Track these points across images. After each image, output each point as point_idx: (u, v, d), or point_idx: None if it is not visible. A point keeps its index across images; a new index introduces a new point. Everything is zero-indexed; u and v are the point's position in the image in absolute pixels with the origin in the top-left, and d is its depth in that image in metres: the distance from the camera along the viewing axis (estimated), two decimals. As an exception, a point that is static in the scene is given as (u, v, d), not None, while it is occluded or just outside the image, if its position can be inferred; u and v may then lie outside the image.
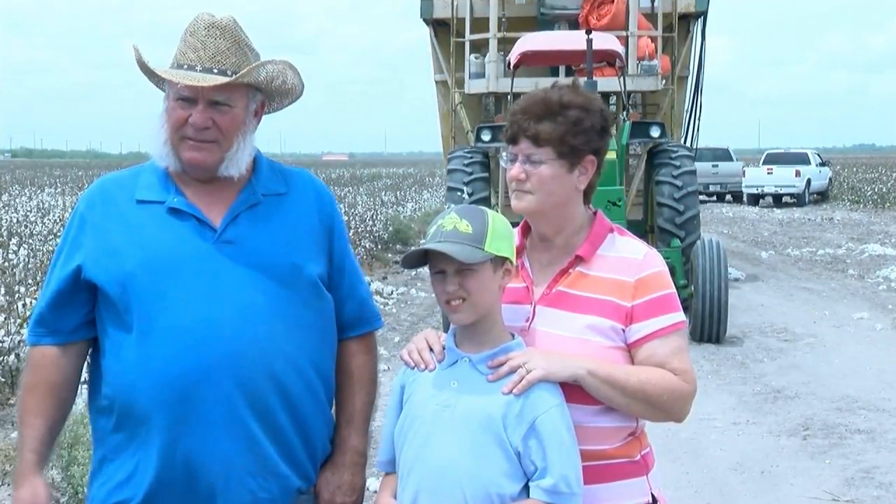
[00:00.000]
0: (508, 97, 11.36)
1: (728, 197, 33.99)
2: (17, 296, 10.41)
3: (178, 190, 2.43)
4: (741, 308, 11.62)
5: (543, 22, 13.32)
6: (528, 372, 2.20)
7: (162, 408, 2.33)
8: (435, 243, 2.22)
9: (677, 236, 10.79)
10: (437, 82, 14.53)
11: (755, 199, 32.17)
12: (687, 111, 14.59)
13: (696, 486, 5.80)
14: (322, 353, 2.51)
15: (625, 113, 11.64)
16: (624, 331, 2.30)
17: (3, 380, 7.46)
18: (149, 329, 2.33)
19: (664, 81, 13.08)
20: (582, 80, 9.22)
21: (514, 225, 2.43)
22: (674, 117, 13.84)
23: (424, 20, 14.19)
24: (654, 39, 12.83)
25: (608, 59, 11.38)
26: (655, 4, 13.34)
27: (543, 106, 2.31)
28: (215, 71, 2.36)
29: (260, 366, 2.36)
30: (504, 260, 2.27)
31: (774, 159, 32.78)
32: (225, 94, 2.37)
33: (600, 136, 2.35)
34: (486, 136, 11.20)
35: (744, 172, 32.76)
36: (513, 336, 2.30)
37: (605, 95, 11.76)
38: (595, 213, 2.43)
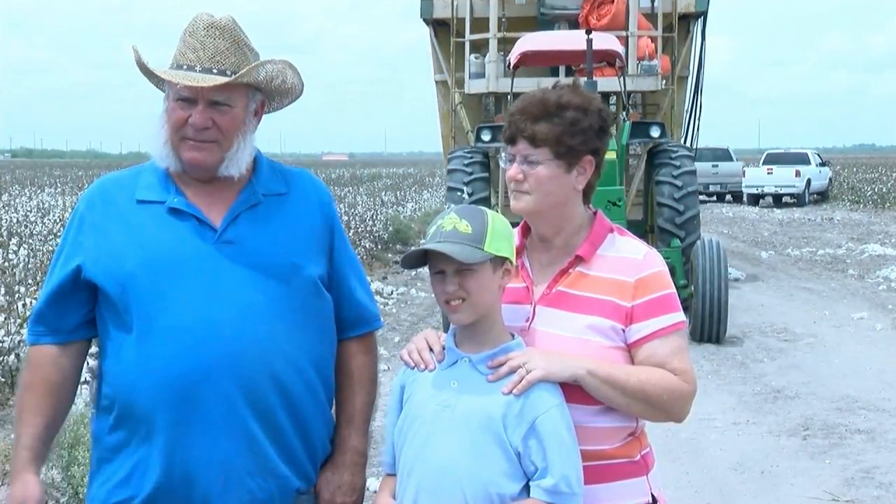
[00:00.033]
0: (508, 97, 11.36)
1: (728, 197, 34.00)
2: (17, 296, 10.41)
3: (179, 190, 2.43)
4: (741, 308, 11.62)
5: (543, 22, 13.32)
6: (528, 372, 2.20)
7: (162, 408, 2.33)
8: (434, 243, 2.22)
9: (677, 236, 10.79)
10: (437, 82, 14.53)
11: (755, 199, 32.18)
12: (687, 111, 14.59)
13: (696, 486, 5.80)
14: (322, 353, 2.51)
15: (625, 113, 11.64)
16: (624, 331, 2.30)
17: (3, 380, 7.46)
18: (149, 329, 2.33)
19: (664, 81, 13.08)
20: (582, 80, 9.22)
21: (515, 225, 2.43)
22: (674, 117, 13.84)
23: (424, 20, 14.19)
24: (654, 39, 12.83)
25: (608, 59, 11.38)
26: (655, 4, 13.34)
27: (541, 106, 2.31)
28: (215, 71, 2.36)
29: (260, 366, 2.36)
30: (504, 260, 2.27)
31: (774, 159, 32.78)
32: (225, 94, 2.37)
33: (598, 137, 2.34)
34: (486, 136, 11.20)
35: (744, 172, 32.76)
36: (513, 336, 2.30)
37: (605, 95, 11.75)
38: (595, 213, 2.43)
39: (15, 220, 20.75)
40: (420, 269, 2.36)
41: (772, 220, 26.29)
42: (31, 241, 16.47)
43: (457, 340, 2.31)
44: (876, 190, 36.53)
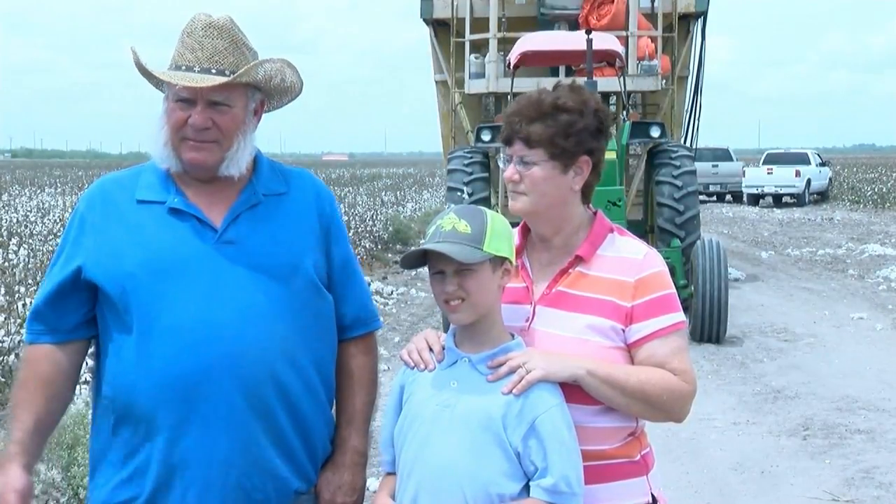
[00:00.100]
0: (508, 97, 11.36)
1: (728, 197, 33.99)
2: (17, 296, 10.42)
3: (179, 190, 2.43)
4: (741, 308, 11.62)
5: (543, 22, 13.32)
6: (528, 372, 2.20)
7: (162, 408, 2.33)
8: (434, 243, 2.22)
9: (677, 236, 10.79)
10: (437, 82, 14.53)
11: (755, 199, 32.18)
12: (687, 111, 14.60)
13: (696, 486, 5.80)
14: (322, 353, 2.50)
15: (625, 113, 11.64)
16: (624, 331, 2.30)
17: (3, 380, 7.46)
18: (149, 329, 2.33)
19: (664, 81, 13.08)
20: (582, 80, 9.23)
21: (515, 225, 2.43)
22: (674, 117, 13.85)
23: (424, 20, 14.20)
24: (654, 39, 12.83)
25: (608, 59, 11.39)
26: (655, 4, 13.34)
27: (536, 108, 2.31)
28: (213, 71, 2.36)
29: (260, 366, 2.36)
30: (503, 260, 2.27)
31: (774, 159, 32.78)
32: (224, 94, 2.37)
33: (594, 137, 2.34)
34: (486, 136, 11.21)
35: (744, 172, 32.76)
36: (512, 336, 2.30)
37: (605, 95, 11.76)
38: (595, 213, 2.43)
39: (15, 220, 20.76)
40: (420, 269, 2.36)
41: (772, 220, 26.29)
42: (31, 241, 16.48)
43: (456, 340, 2.31)
44: (876, 190, 36.53)
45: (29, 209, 24.79)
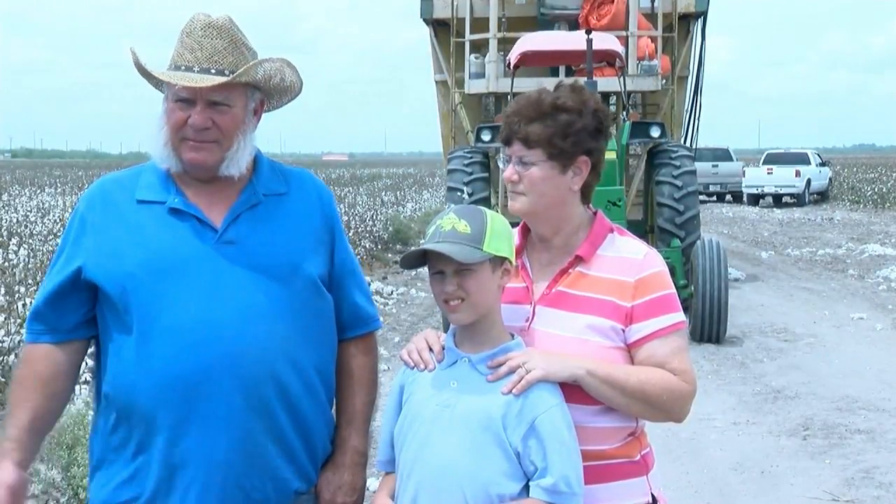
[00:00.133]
0: (508, 97, 11.36)
1: (728, 197, 33.99)
2: (17, 296, 10.42)
3: (179, 190, 2.43)
4: (741, 308, 11.62)
5: (543, 22, 13.32)
6: (528, 372, 2.20)
7: (162, 408, 2.33)
8: (433, 244, 2.22)
9: (677, 236, 10.79)
10: (437, 82, 14.54)
11: (755, 199, 32.17)
12: (687, 111, 14.60)
13: (696, 486, 5.80)
14: (322, 353, 2.50)
15: (625, 113, 11.64)
16: (624, 331, 2.30)
17: (3, 380, 7.46)
18: (149, 329, 2.33)
19: (664, 81, 13.08)
20: (582, 80, 9.23)
21: (515, 225, 2.43)
22: (674, 117, 13.85)
23: (424, 20, 14.20)
24: (654, 39, 12.83)
25: (608, 59, 11.39)
26: (655, 4, 13.34)
27: (535, 108, 2.31)
28: (213, 71, 2.36)
29: (261, 366, 2.36)
30: (503, 260, 2.27)
31: (774, 159, 32.77)
32: (223, 94, 2.37)
33: (593, 138, 2.34)
34: (486, 136, 11.21)
35: (744, 172, 32.76)
36: (512, 336, 2.30)
37: (605, 95, 11.76)
38: (595, 213, 2.43)
39: (15, 220, 20.76)
40: (420, 269, 2.36)
41: (772, 220, 26.29)
42: (31, 241, 16.48)
43: (456, 340, 2.31)
44: (876, 190, 36.53)
45: (29, 209, 24.80)
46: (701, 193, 23.95)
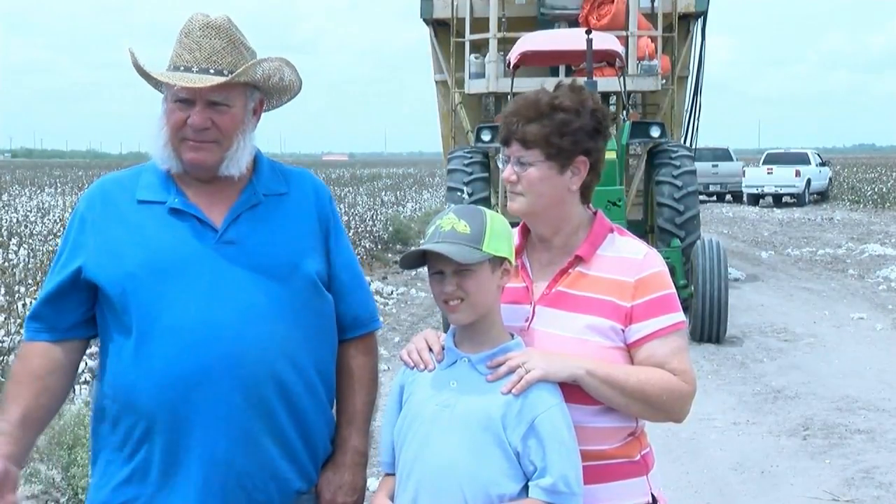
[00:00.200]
0: (508, 97, 11.36)
1: (728, 197, 33.99)
2: (17, 296, 10.42)
3: (179, 190, 2.43)
4: (741, 308, 11.62)
5: (543, 22, 13.32)
6: (527, 372, 2.20)
7: (162, 408, 2.33)
8: (433, 244, 2.22)
9: (677, 236, 10.79)
10: (437, 82, 14.54)
11: (755, 199, 32.17)
12: (687, 111, 14.60)
13: (696, 486, 5.80)
14: (323, 353, 2.50)
15: (625, 113, 11.65)
16: (623, 331, 2.29)
17: (2, 380, 7.47)
18: (149, 330, 2.33)
19: (664, 81, 13.09)
20: (582, 79, 9.23)
21: (515, 225, 2.43)
22: (674, 117, 13.85)
23: (424, 20, 14.20)
24: (654, 39, 12.83)
25: (608, 59, 11.39)
26: (655, 4, 13.35)
27: (533, 108, 2.31)
28: (212, 71, 2.36)
29: (261, 366, 2.36)
30: (503, 260, 2.26)
31: (774, 159, 32.77)
32: (223, 94, 2.37)
33: (591, 137, 2.34)
34: (486, 136, 11.22)
35: (744, 172, 32.76)
36: (512, 336, 2.30)
37: (605, 95, 11.77)
38: (595, 214, 2.43)
39: (15, 220, 20.77)
40: (420, 269, 2.36)
41: (772, 220, 26.29)
42: (31, 241, 16.49)
43: (456, 340, 2.31)
44: (876, 190, 36.54)
45: (29, 209, 24.81)
46: (701, 193, 23.96)
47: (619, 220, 8.74)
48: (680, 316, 2.34)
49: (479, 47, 12.97)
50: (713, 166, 32.32)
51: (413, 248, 2.29)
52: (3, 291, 10.84)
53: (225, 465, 2.34)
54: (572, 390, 2.24)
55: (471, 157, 11.37)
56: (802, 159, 32.90)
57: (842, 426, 7.01)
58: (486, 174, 11.30)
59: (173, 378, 2.31)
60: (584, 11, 13.00)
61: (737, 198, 33.30)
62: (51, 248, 14.51)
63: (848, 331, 10.60)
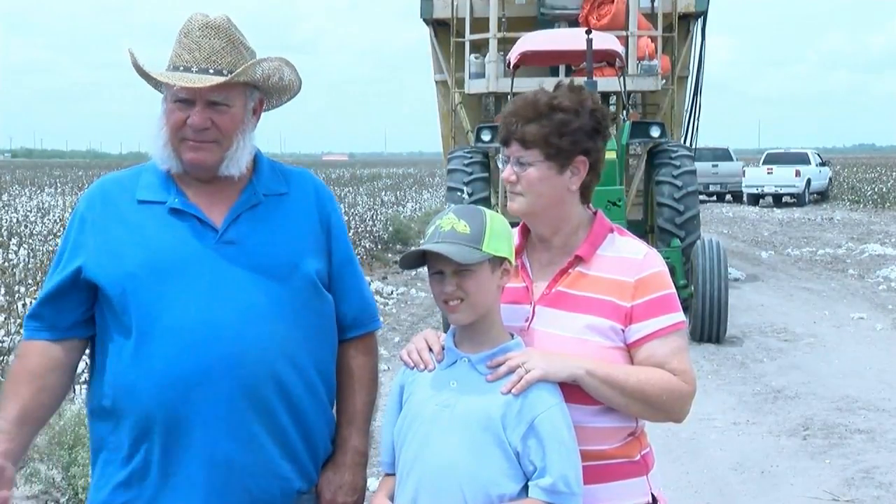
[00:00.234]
0: (508, 97, 11.36)
1: (728, 197, 33.99)
2: (17, 296, 10.42)
3: (179, 190, 2.43)
4: (741, 308, 11.62)
5: (543, 22, 13.33)
6: (527, 372, 2.20)
7: (162, 409, 2.33)
8: (432, 244, 2.22)
9: (677, 236, 10.80)
10: (437, 82, 14.54)
11: (755, 199, 32.18)
12: (687, 111, 14.61)
13: (696, 486, 5.80)
14: (323, 353, 2.50)
15: (625, 113, 11.65)
16: (623, 331, 2.29)
17: (2, 380, 7.47)
18: (150, 330, 2.33)
19: (664, 81, 13.09)
20: (582, 79, 9.23)
21: (515, 225, 2.43)
22: (674, 117, 13.86)
23: (424, 20, 14.21)
24: (654, 39, 12.83)
25: (608, 59, 11.39)
26: (655, 4, 13.35)
27: (532, 108, 2.31)
28: (211, 71, 2.36)
29: (261, 367, 2.36)
30: (502, 260, 2.26)
31: (774, 159, 32.78)
32: (222, 94, 2.37)
33: (590, 137, 2.33)
34: (486, 136, 11.22)
35: (744, 172, 32.76)
36: (512, 336, 2.30)
37: (605, 95, 11.77)
38: (595, 213, 2.43)
39: (15, 220, 20.77)
40: (420, 269, 2.36)
41: (772, 220, 26.29)
42: (31, 241, 16.49)
43: (456, 340, 2.31)
44: (876, 190, 36.54)
45: (29, 209, 24.81)
46: (701, 193, 23.95)
47: (619, 220, 8.74)
48: (680, 316, 2.34)
49: (479, 47, 12.97)
50: (713, 166, 32.32)
51: (413, 248, 2.29)
52: (3, 291, 10.84)
53: (226, 465, 2.34)
54: (572, 390, 2.24)
55: (471, 157, 11.37)
56: (802, 159, 32.90)
57: (842, 426, 7.01)
58: (486, 174, 11.30)
59: (173, 378, 2.31)
60: (584, 11, 13.00)
61: (737, 198, 33.31)
62: (51, 248, 14.52)
63: (848, 331, 10.60)
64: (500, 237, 2.25)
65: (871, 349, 9.67)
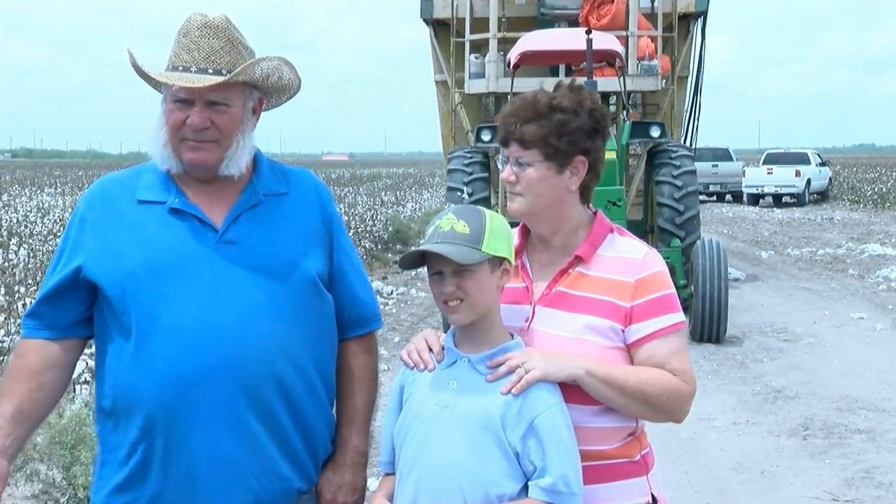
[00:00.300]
0: (508, 97, 11.36)
1: (728, 197, 33.99)
2: (17, 296, 10.42)
3: (179, 190, 2.43)
4: (741, 308, 11.62)
5: (543, 22, 13.33)
6: (527, 372, 2.20)
7: (163, 409, 2.33)
8: (432, 244, 2.22)
9: (677, 236, 10.80)
10: (437, 82, 14.54)
11: (755, 199, 32.17)
12: (687, 111, 14.61)
13: (696, 486, 5.80)
14: (323, 353, 2.50)
15: (625, 113, 11.65)
16: (623, 331, 2.29)
17: (2, 380, 7.47)
18: (150, 330, 2.33)
19: (664, 81, 13.09)
20: (582, 79, 9.23)
21: (515, 225, 2.43)
22: (674, 117, 13.85)
23: (424, 20, 14.20)
24: (654, 39, 12.83)
25: (608, 59, 11.39)
26: (655, 4, 13.35)
27: (531, 108, 2.31)
28: (210, 71, 2.36)
29: (262, 366, 2.36)
30: (502, 260, 2.26)
31: (774, 159, 32.77)
32: (222, 94, 2.37)
33: (589, 137, 2.33)
34: (486, 136, 11.22)
35: (744, 172, 32.76)
36: (512, 336, 2.30)
37: (605, 95, 11.77)
38: (595, 214, 2.43)
39: (15, 220, 20.77)
40: (420, 269, 2.35)
41: (772, 220, 26.29)
42: (31, 241, 16.49)
43: (456, 340, 2.31)
44: (876, 190, 36.54)
45: (29, 209, 24.82)
46: (701, 193, 23.95)
47: (619, 220, 8.74)
48: (680, 316, 2.34)
49: (479, 47, 12.97)
50: (713, 166, 32.32)
51: (412, 249, 2.29)
52: (3, 291, 10.84)
53: (227, 465, 2.34)
54: (572, 390, 2.24)
55: (471, 157, 11.37)
56: (802, 159, 32.90)
57: (842, 426, 7.01)
58: (485, 174, 11.30)
59: (174, 378, 2.31)
60: (584, 11, 13.00)
61: (737, 198, 33.30)
62: (51, 248, 14.52)
63: (848, 331, 10.60)
64: (500, 237, 2.25)
65: (871, 349, 9.67)
